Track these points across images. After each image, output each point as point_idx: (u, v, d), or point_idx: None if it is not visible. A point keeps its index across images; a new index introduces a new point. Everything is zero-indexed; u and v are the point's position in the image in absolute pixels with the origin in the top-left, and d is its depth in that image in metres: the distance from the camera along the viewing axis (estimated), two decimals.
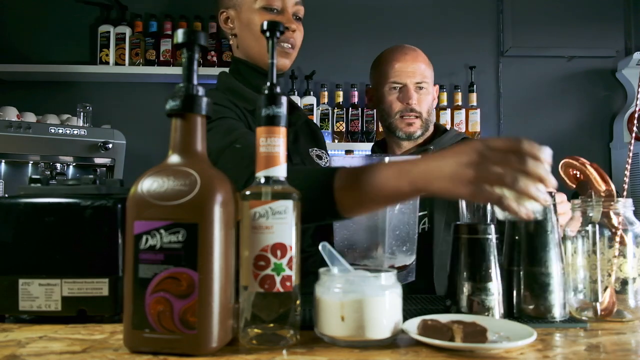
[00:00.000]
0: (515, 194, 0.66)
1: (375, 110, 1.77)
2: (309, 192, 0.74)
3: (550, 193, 0.84)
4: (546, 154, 0.67)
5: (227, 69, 1.33)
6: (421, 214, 1.38)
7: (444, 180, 0.70)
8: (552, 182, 0.66)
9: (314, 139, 1.37)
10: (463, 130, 2.91)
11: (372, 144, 3.06)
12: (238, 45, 1.27)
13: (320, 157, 1.33)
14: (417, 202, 0.99)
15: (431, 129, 1.54)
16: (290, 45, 1.23)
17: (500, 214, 0.76)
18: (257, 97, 0.68)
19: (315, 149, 1.34)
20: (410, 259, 0.99)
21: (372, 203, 0.78)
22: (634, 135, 1.39)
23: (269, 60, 0.69)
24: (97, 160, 2.36)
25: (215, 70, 2.73)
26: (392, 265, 0.94)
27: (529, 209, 0.67)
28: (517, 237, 0.84)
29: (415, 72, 1.45)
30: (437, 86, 1.60)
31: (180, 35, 0.66)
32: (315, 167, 0.84)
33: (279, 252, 0.64)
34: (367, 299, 0.65)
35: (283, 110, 0.67)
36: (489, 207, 0.83)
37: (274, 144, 0.66)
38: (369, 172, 0.76)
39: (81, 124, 2.53)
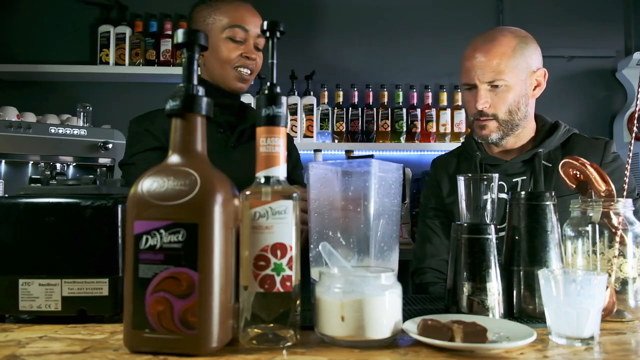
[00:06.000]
0: None
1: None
2: None
3: (551, 194, 0.84)
4: None
5: None
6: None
7: None
8: None
9: None
10: (463, 130, 2.91)
11: (372, 143, 3.00)
12: (205, 64, 1.39)
13: None
14: (398, 216, 0.87)
15: (531, 126, 1.39)
16: (249, 72, 1.37)
17: None
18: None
19: None
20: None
21: None
22: (634, 135, 1.38)
23: (269, 60, 0.69)
24: (97, 160, 2.36)
25: None
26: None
27: None
28: (517, 237, 0.84)
29: (485, 69, 1.29)
30: (542, 70, 1.36)
31: (180, 35, 0.66)
32: None
33: (279, 252, 0.64)
34: (367, 299, 0.65)
35: (283, 110, 0.67)
36: (488, 206, 0.83)
37: (274, 144, 0.66)
38: None
39: (81, 124, 2.53)
